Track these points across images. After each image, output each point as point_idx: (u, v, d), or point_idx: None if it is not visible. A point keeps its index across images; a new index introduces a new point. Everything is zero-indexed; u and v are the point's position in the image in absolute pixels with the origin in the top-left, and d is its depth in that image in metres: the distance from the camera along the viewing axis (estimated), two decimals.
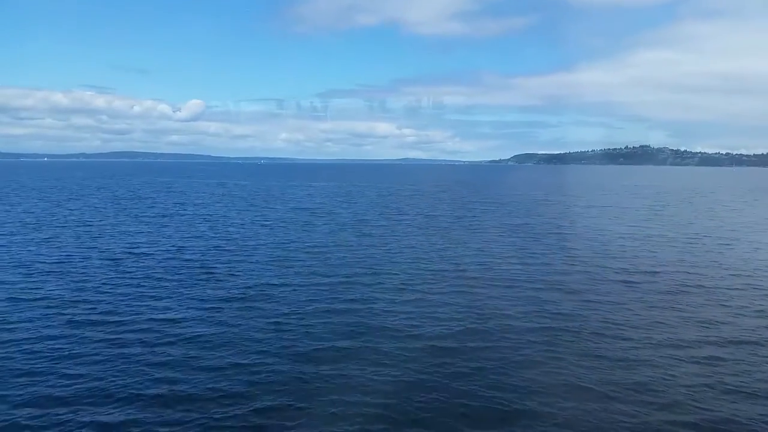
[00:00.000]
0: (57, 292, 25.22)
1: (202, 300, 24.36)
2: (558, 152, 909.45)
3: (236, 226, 50.23)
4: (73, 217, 55.23)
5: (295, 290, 26.12)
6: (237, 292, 25.73)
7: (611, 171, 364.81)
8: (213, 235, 43.78)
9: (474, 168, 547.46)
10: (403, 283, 27.64)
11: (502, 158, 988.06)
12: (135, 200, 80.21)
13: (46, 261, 32.22)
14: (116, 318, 21.58)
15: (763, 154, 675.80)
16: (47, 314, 21.87)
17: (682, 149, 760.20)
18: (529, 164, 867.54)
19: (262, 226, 50.40)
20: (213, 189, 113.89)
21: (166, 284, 27.08)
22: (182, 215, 59.05)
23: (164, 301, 24.16)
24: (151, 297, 24.72)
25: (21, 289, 25.73)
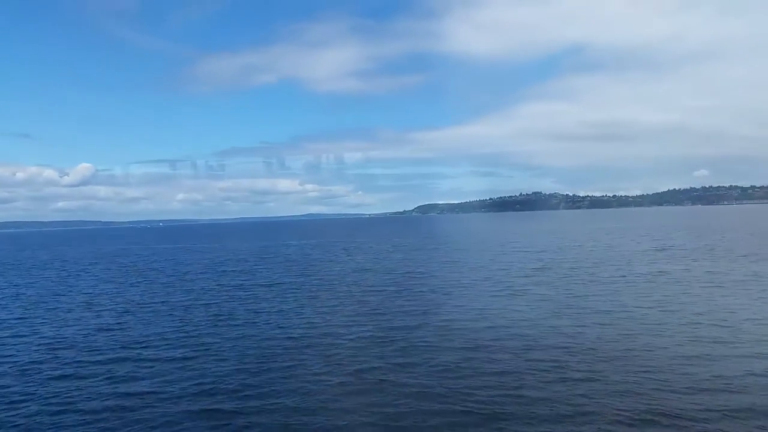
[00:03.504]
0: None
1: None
2: (458, 201, 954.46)
3: (365, 293, 48.72)
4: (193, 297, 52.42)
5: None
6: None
7: (523, 217, 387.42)
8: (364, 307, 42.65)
9: (385, 220, 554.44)
10: None
11: (406, 209, 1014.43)
12: (178, 274, 75.94)
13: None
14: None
15: (641, 195, 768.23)
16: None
17: (571, 194, 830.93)
18: (433, 214, 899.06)
19: (378, 292, 49.13)
20: (206, 255, 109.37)
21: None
22: (282, 283, 57.23)
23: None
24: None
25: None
